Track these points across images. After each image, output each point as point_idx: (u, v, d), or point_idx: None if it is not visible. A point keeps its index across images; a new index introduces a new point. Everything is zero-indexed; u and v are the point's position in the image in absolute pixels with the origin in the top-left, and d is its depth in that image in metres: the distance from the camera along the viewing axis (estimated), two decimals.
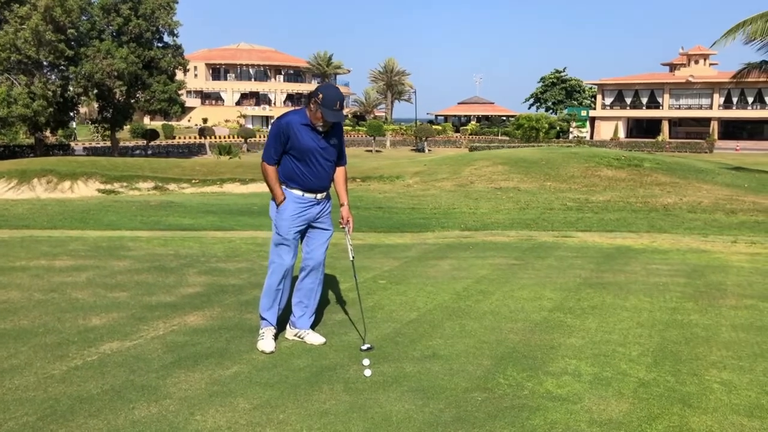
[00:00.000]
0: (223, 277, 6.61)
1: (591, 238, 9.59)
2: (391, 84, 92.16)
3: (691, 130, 67.39)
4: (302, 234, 4.62)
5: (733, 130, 65.94)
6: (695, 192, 15.61)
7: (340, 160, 4.62)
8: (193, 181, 20.68)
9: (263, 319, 4.61)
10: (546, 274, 7.00)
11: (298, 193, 4.47)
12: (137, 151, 51.36)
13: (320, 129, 4.36)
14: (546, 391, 3.93)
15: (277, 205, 4.48)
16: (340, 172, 4.66)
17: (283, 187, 4.50)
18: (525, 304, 5.78)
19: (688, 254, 8.26)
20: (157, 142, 55.57)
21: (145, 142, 53.11)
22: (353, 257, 4.74)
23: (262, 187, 19.46)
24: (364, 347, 4.55)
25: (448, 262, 7.56)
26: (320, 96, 4.27)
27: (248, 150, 52.22)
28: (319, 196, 4.53)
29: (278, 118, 4.50)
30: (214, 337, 4.75)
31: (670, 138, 64.15)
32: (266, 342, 4.52)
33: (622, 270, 7.23)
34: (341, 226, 4.68)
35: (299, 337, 4.71)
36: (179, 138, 62.74)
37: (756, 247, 8.85)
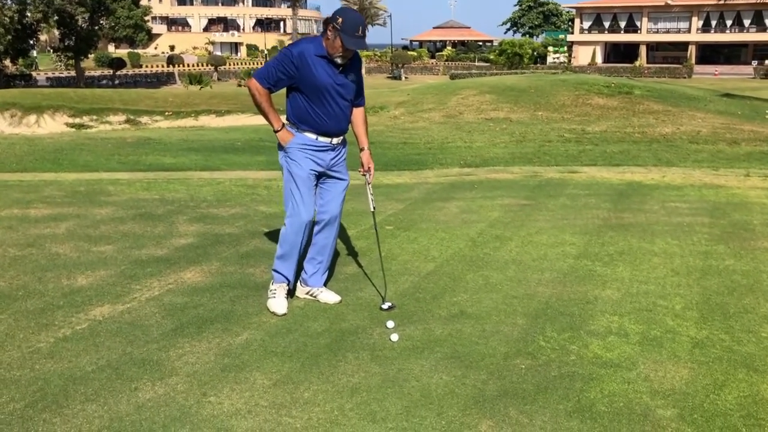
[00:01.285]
0: (217, 225, 6.07)
1: (599, 173, 9.17)
2: (364, 8, 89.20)
3: (668, 54, 66.65)
4: (316, 184, 4.09)
5: (710, 54, 65.41)
6: (690, 120, 15.22)
7: (359, 99, 4.05)
8: (167, 113, 19.71)
9: (276, 272, 4.10)
10: (562, 215, 6.58)
11: (312, 136, 3.90)
12: (104, 81, 49.32)
13: (339, 62, 3.76)
14: (594, 355, 3.56)
15: (276, 132, 3.88)
16: (358, 113, 4.08)
17: (294, 129, 3.92)
18: (547, 251, 5.37)
19: (703, 190, 7.90)
20: (124, 71, 53.45)
21: (111, 71, 50.98)
22: (374, 208, 4.24)
23: (240, 120, 18.59)
24: (385, 306, 4.12)
25: (455, 204, 7.10)
26: (339, 20, 3.65)
27: (219, 79, 50.48)
28: (335, 140, 3.97)
29: (290, 44, 3.85)
30: (216, 297, 4.28)
31: (647, 63, 63.49)
32: (278, 302, 4.04)
33: (640, 209, 6.84)
34: (361, 173, 4.16)
35: (312, 295, 4.25)
36: (147, 66, 60.38)
37: None
